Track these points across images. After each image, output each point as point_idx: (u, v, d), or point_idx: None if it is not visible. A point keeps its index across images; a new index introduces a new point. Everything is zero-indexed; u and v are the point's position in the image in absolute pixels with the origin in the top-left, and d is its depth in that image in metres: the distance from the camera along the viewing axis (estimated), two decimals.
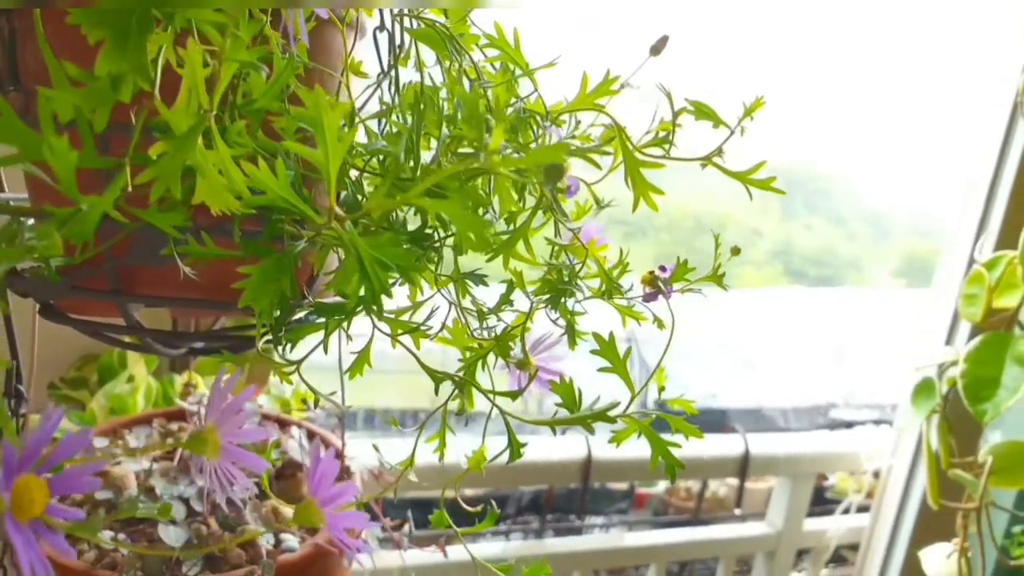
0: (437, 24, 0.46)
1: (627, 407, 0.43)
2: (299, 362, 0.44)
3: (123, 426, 0.82)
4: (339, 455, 0.38)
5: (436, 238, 0.41)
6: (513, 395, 0.46)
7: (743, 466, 1.69)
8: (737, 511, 1.77)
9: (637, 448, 1.62)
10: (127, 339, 0.56)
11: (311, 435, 0.82)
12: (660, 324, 0.49)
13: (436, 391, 0.47)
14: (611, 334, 0.43)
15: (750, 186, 0.42)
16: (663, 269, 0.49)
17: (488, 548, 1.53)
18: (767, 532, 1.73)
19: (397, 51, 0.48)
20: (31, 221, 0.42)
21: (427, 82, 0.51)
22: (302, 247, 0.36)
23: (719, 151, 0.43)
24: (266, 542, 0.63)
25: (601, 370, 0.43)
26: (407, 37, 0.53)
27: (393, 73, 0.48)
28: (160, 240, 0.41)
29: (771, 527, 1.73)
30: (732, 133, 0.43)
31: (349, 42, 0.52)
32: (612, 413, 0.42)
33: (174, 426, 0.79)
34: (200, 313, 0.59)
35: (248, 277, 0.37)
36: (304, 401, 1.02)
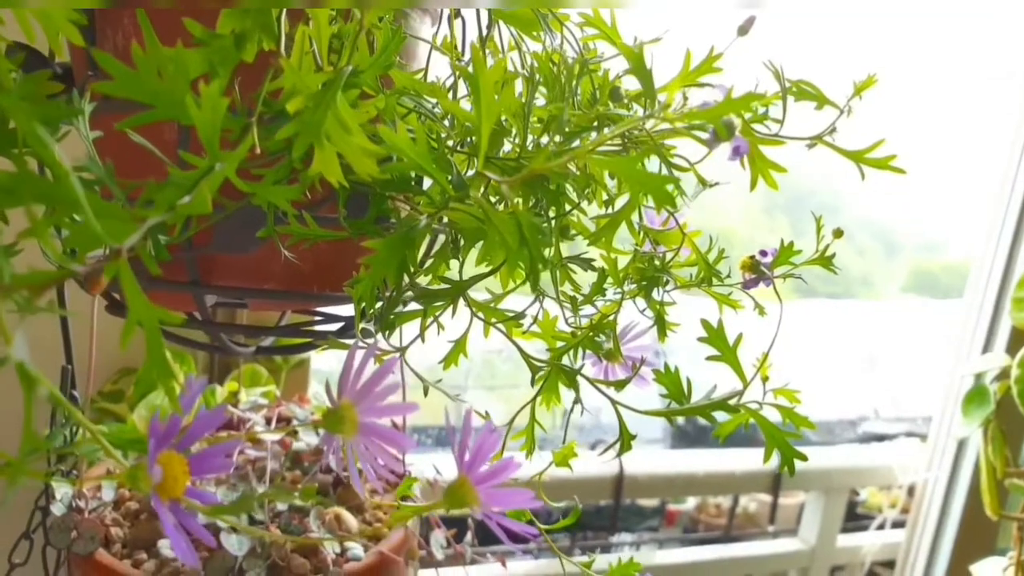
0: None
1: (740, 397, 0.41)
2: (404, 348, 0.42)
3: None
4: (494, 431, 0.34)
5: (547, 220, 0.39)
6: (620, 384, 0.44)
7: (776, 481, 1.65)
8: (771, 528, 1.73)
9: (670, 463, 1.59)
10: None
11: None
12: (761, 311, 0.47)
13: (532, 382, 0.45)
14: (720, 322, 0.41)
15: (865, 166, 0.40)
16: (763, 254, 0.47)
17: (517, 567, 1.50)
18: (800, 548, 1.69)
19: (485, 33, 0.47)
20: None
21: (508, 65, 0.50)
22: (425, 223, 0.34)
23: (832, 129, 0.41)
24: (331, 551, 0.60)
25: (710, 358, 0.41)
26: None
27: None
28: (250, 224, 0.39)
29: (804, 543, 1.70)
30: (841, 113, 0.42)
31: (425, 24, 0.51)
32: (729, 402, 0.40)
33: (224, 434, 0.77)
34: (273, 305, 0.58)
35: (351, 260, 0.35)
36: None
